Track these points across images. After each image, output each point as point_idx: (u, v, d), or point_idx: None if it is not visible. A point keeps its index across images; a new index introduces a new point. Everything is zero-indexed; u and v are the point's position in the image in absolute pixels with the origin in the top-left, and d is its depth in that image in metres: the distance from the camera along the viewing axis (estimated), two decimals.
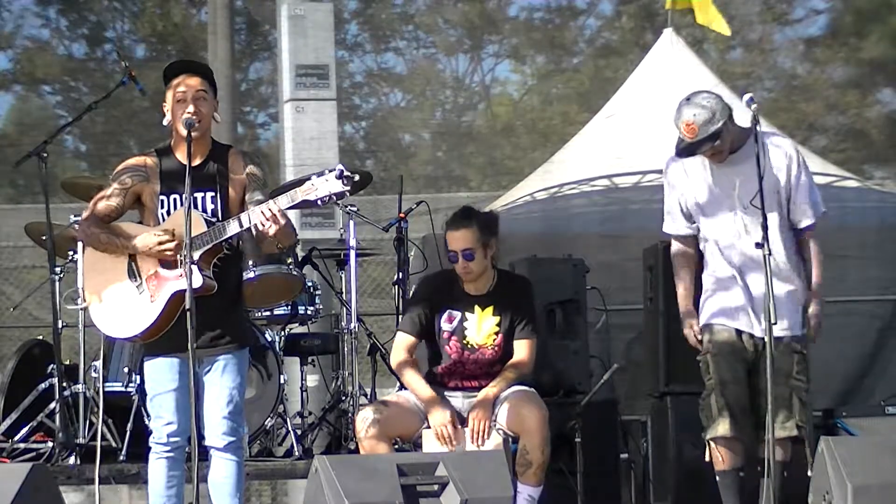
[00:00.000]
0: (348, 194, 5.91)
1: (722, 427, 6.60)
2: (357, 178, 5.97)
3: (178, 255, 5.94)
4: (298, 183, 6.00)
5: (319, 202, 5.91)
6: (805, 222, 6.67)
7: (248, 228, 5.93)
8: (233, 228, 5.93)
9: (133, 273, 6.05)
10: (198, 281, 5.87)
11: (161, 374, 6.07)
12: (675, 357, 8.21)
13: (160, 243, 5.95)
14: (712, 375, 6.64)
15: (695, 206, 6.69)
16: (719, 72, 12.82)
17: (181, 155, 6.05)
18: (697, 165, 6.66)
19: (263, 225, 5.83)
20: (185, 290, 5.82)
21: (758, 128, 6.38)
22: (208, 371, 6.07)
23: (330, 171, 5.87)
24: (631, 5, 24.10)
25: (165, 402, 6.06)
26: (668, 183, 6.78)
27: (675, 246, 6.85)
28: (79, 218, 7.82)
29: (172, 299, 5.97)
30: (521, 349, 6.85)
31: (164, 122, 6.11)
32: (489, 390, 6.74)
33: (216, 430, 6.06)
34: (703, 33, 11.10)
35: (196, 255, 5.88)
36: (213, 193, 6.06)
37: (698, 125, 6.47)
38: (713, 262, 6.68)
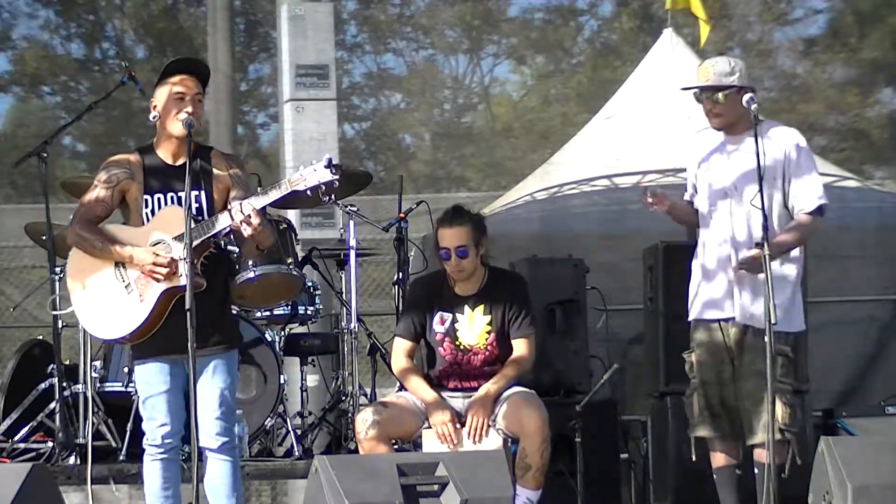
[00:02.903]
0: (336, 183, 5.93)
1: (702, 429, 6.63)
2: (344, 167, 6.00)
3: (171, 257, 5.94)
4: (279, 185, 6.00)
5: (309, 192, 5.92)
6: (804, 207, 6.60)
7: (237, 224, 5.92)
8: (222, 222, 5.92)
9: (119, 273, 6.04)
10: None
11: (152, 377, 6.06)
12: (675, 357, 8.16)
13: (154, 264, 5.93)
14: (695, 374, 6.67)
15: (702, 192, 6.70)
16: None
17: (164, 153, 6.08)
18: (706, 152, 6.68)
19: (239, 225, 5.84)
20: (172, 288, 5.87)
21: (758, 127, 6.39)
22: (199, 372, 6.05)
23: (318, 161, 5.89)
24: (630, 5, 24.11)
25: (158, 403, 6.05)
26: (688, 164, 6.86)
27: None
28: None
29: (162, 298, 5.97)
30: (520, 346, 6.84)
31: (152, 118, 6.09)
32: (489, 387, 6.73)
33: (209, 431, 6.05)
34: (699, 32, 11.09)
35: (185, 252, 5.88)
36: (199, 192, 6.06)
37: (715, 72, 6.57)
38: (703, 247, 6.67)
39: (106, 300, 6.05)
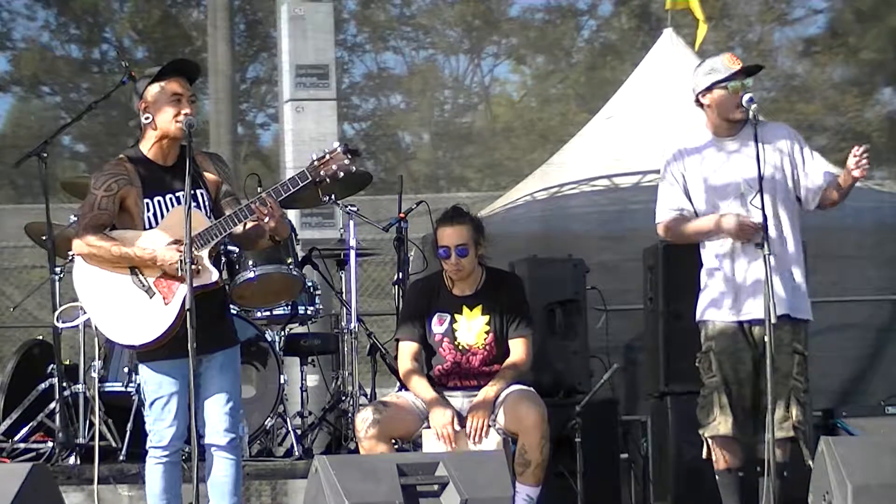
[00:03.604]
0: (353, 169, 5.98)
1: (723, 426, 6.57)
2: (361, 152, 6.05)
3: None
4: (301, 175, 6.02)
5: (328, 180, 5.96)
6: (830, 179, 6.67)
7: (256, 218, 5.94)
8: (242, 217, 5.93)
9: (138, 280, 6.00)
10: (215, 275, 5.92)
11: (164, 378, 6.02)
12: (675, 357, 8.21)
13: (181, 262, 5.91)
14: (715, 374, 6.60)
15: (698, 194, 6.66)
16: None
17: (154, 155, 6.05)
18: (699, 153, 6.67)
19: (262, 217, 5.85)
20: (199, 287, 5.86)
21: (757, 127, 6.41)
22: (207, 369, 6.05)
23: (335, 147, 5.96)
24: (629, 5, 24.10)
25: (168, 405, 6.02)
26: (669, 173, 6.73)
27: (671, 216, 6.71)
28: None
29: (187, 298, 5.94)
30: (518, 347, 6.84)
31: (145, 120, 6.04)
32: (488, 390, 6.74)
33: (218, 427, 6.04)
34: (695, 31, 11.11)
35: (206, 251, 5.91)
36: (201, 191, 6.06)
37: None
38: (714, 252, 6.65)
39: (129, 308, 5.99)
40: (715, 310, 6.64)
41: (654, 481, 8.55)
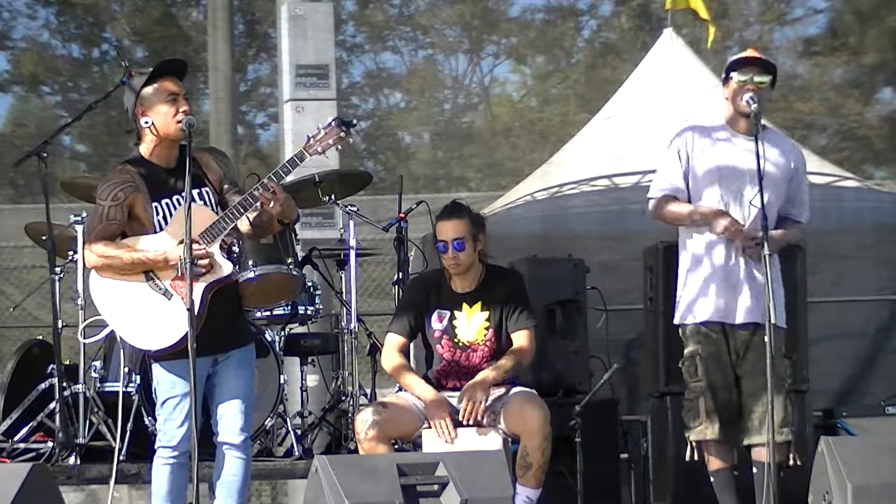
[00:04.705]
0: (350, 141, 6.04)
1: (710, 431, 6.59)
2: (356, 123, 6.09)
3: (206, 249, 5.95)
4: (299, 155, 6.04)
5: (327, 155, 6.03)
6: (801, 215, 6.72)
7: (260, 205, 5.96)
8: (249, 205, 5.94)
9: (155, 284, 6.00)
10: (228, 268, 5.94)
11: (177, 378, 6.00)
12: (675, 357, 8.18)
13: (199, 257, 5.90)
14: (701, 378, 6.61)
15: (697, 177, 6.64)
16: (719, 72, 12.81)
17: (156, 158, 6.05)
18: (710, 137, 6.65)
19: (266, 202, 5.86)
20: (212, 283, 5.89)
21: (763, 132, 6.41)
22: (223, 367, 6.06)
23: (329, 122, 6.00)
24: (629, 5, 24.11)
25: (182, 405, 5.99)
26: (675, 148, 6.68)
27: (663, 195, 6.69)
28: (79, 218, 7.85)
29: (207, 294, 5.95)
30: (520, 338, 6.82)
31: (144, 123, 6.02)
32: (484, 373, 6.72)
33: (233, 426, 6.05)
34: (703, 33, 11.13)
35: (218, 242, 5.92)
36: (206, 189, 6.07)
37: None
38: (702, 251, 6.63)
39: (150, 313, 5.98)
40: (700, 311, 6.63)
41: (654, 481, 8.55)
